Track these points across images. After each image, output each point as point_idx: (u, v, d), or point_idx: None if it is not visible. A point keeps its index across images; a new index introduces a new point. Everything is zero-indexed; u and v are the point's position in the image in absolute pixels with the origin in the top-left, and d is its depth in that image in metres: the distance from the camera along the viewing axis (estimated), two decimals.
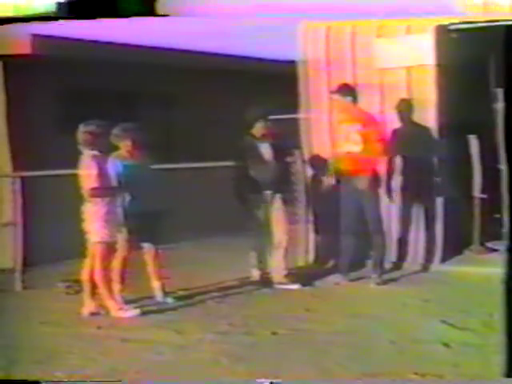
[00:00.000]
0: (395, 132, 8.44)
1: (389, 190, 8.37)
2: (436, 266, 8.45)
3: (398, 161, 8.44)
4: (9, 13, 5.84)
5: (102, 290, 6.96)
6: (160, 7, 5.79)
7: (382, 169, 8.15)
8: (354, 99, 7.97)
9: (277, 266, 8.01)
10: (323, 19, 8.84)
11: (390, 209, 8.53)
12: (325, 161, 8.58)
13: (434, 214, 8.53)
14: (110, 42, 10.58)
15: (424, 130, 8.51)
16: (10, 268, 8.39)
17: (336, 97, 8.11)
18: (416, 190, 8.50)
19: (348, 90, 8.00)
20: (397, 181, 8.48)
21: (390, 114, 8.57)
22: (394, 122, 8.50)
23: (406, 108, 8.55)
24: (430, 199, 8.55)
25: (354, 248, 8.06)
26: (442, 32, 8.40)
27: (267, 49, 11.95)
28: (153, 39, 10.86)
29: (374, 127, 7.90)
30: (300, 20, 8.58)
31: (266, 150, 7.95)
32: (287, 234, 8.02)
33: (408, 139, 8.40)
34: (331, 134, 8.38)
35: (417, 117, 8.55)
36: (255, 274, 8.01)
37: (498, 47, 5.58)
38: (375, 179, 7.96)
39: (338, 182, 8.07)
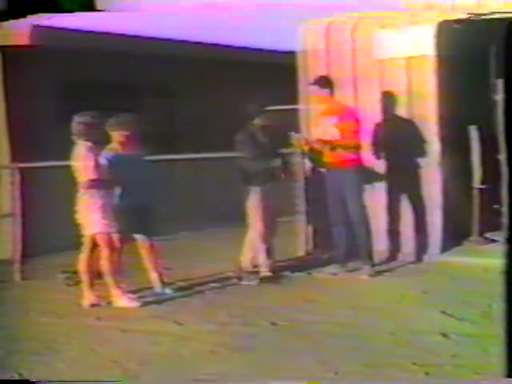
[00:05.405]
0: (380, 124, 8.49)
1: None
2: (435, 256, 8.44)
3: (385, 152, 8.49)
4: None
5: (108, 278, 6.98)
6: (99, 3, 5.72)
7: (363, 161, 8.11)
8: (331, 91, 7.95)
9: (263, 257, 8.01)
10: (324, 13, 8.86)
11: (380, 200, 8.52)
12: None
13: (424, 205, 8.52)
14: (109, 33, 10.54)
15: (408, 122, 8.52)
16: (10, 259, 8.40)
17: (313, 89, 8.10)
18: (404, 181, 8.53)
19: (325, 82, 7.98)
20: (384, 171, 8.54)
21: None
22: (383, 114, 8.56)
23: (390, 100, 8.56)
24: (418, 190, 8.55)
25: (346, 238, 8.04)
26: (443, 23, 8.37)
27: (267, 39, 11.90)
28: (152, 30, 10.83)
29: (350, 120, 7.88)
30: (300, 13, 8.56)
31: (264, 140, 7.94)
32: (274, 226, 8.00)
33: (393, 132, 8.43)
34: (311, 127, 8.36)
35: (416, 107, 8.54)
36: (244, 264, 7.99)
37: (498, 38, 5.57)
38: (356, 171, 7.92)
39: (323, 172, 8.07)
